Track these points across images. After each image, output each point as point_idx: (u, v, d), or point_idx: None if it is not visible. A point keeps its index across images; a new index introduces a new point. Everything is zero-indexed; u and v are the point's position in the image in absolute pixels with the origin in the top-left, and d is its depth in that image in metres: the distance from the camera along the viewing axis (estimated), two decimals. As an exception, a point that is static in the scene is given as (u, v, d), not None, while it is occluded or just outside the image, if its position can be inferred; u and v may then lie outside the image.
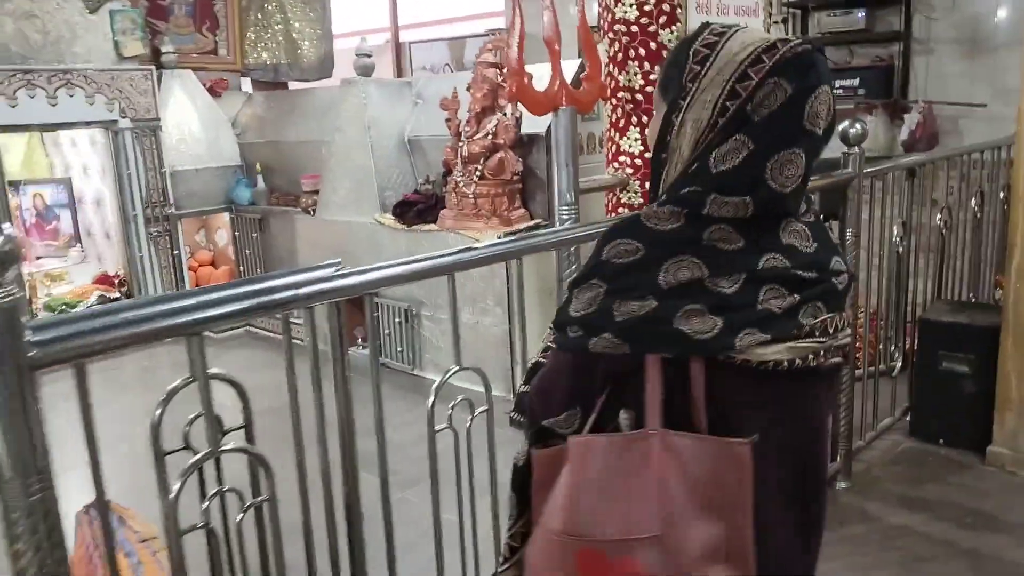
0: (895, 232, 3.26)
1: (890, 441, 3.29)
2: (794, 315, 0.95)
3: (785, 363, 0.94)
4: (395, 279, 1.60)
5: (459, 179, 3.95)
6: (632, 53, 2.57)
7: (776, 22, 5.64)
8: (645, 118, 2.61)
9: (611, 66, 2.63)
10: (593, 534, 0.97)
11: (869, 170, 2.92)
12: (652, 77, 2.59)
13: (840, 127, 2.86)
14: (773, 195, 0.96)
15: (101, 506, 1.26)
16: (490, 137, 3.84)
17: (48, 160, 6.36)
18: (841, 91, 5.25)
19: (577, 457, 1.00)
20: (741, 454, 0.94)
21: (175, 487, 1.35)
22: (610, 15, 2.59)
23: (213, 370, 1.48)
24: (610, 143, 2.74)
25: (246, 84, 6.72)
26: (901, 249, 3.28)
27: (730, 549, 0.96)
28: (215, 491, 1.44)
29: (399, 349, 4.43)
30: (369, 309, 1.64)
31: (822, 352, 0.97)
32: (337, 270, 1.58)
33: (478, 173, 3.85)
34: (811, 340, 0.96)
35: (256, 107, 6.20)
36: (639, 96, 2.60)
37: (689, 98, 0.98)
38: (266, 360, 5.08)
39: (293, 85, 6.78)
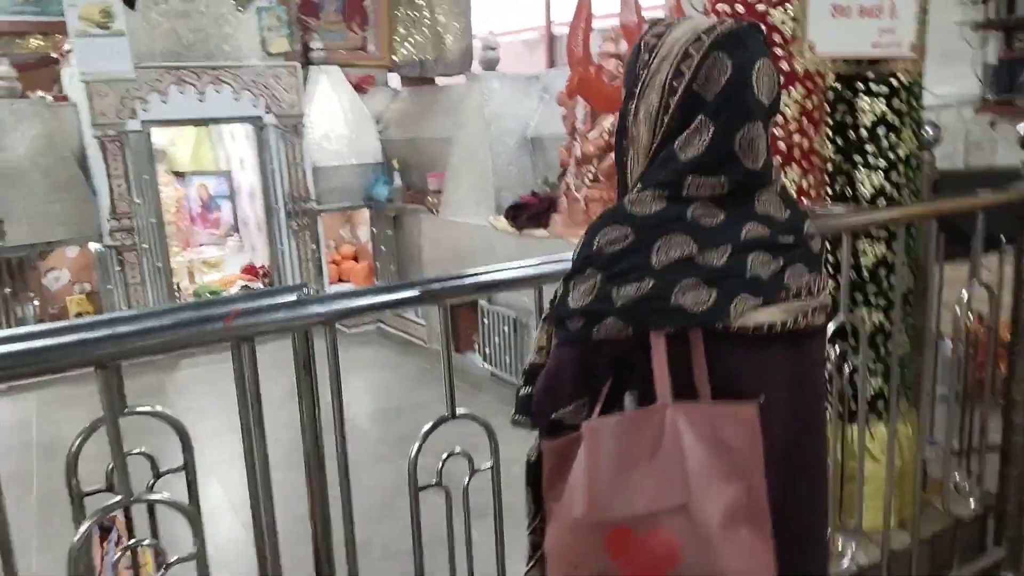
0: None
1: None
2: (780, 279, 1.01)
3: (779, 325, 1.00)
4: (356, 311, 1.35)
5: (571, 181, 3.63)
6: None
7: (975, 1, 4.81)
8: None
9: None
10: (619, 513, 0.98)
11: (1061, 184, 2.29)
12: (761, 67, 2.14)
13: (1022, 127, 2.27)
14: (747, 172, 1.01)
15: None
16: (605, 136, 3.48)
17: (213, 153, 6.73)
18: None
19: (590, 442, 1.01)
20: (749, 416, 0.98)
21: (81, 530, 1.17)
22: (714, -7, 2.17)
23: (146, 408, 1.32)
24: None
25: (393, 80, 6.74)
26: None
27: (750, 510, 0.97)
28: (130, 543, 1.26)
29: (507, 360, 4.19)
30: (330, 338, 1.38)
31: (810, 312, 1.03)
32: (300, 296, 1.35)
33: (591, 175, 3.51)
34: (798, 301, 1.02)
35: (400, 103, 6.19)
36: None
37: (641, 84, 1.03)
38: (388, 359, 5.04)
39: (441, 81, 6.73)
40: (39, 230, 4.87)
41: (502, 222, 4.13)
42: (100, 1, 4.62)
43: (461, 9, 6.34)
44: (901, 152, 2.08)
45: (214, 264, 6.42)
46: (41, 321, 5.19)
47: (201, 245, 6.64)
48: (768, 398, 1.00)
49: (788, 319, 1.01)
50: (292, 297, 1.33)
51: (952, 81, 4.59)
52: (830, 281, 2.07)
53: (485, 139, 4.37)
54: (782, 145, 2.16)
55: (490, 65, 4.49)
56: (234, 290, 5.79)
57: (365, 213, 6.16)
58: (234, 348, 1.31)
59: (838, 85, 2.10)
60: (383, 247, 5.86)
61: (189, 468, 1.39)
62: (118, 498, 1.20)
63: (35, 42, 5.33)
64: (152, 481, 1.36)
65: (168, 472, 1.37)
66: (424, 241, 5.11)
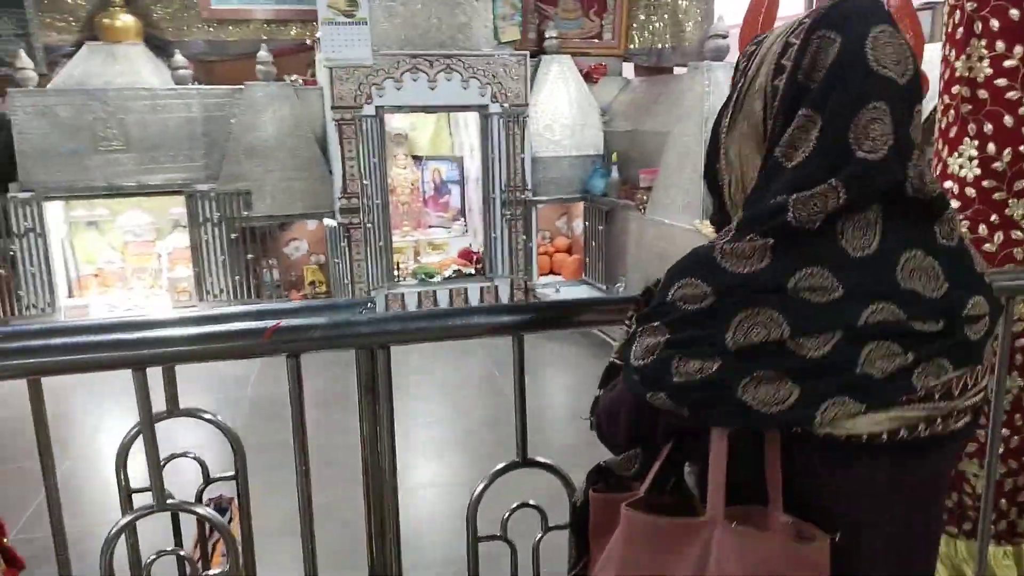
0: None
1: None
2: (904, 378, 0.78)
3: (884, 435, 0.79)
4: (405, 334, 1.21)
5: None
6: (978, 27, 1.67)
7: None
8: (989, 125, 1.69)
9: (946, 47, 1.76)
10: None
11: None
12: (1008, 63, 1.66)
13: None
14: (866, 166, 0.77)
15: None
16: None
17: (450, 139, 6.96)
18: None
19: (628, 527, 0.90)
20: (816, 560, 0.80)
21: (120, 524, 1.17)
22: (952, -30, 1.72)
23: (206, 414, 1.28)
24: (936, 160, 1.85)
25: (628, 70, 6.50)
26: None
27: None
28: (158, 553, 1.22)
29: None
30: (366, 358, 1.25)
31: (939, 420, 0.81)
32: (363, 311, 1.25)
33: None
34: (925, 405, 0.80)
35: (629, 93, 5.96)
36: (982, 92, 1.68)
37: (739, 94, 0.88)
38: (578, 359, 4.87)
39: (679, 71, 6.37)
40: (281, 203, 5.33)
41: (708, 227, 3.77)
42: (346, -10, 4.90)
43: (704, -6, 5.94)
44: None
45: (438, 246, 6.65)
46: (277, 286, 5.70)
47: (430, 227, 6.91)
48: (862, 522, 0.83)
49: (903, 427, 0.78)
50: (348, 314, 1.23)
51: None
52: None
53: (701, 135, 4.03)
54: (997, 166, 1.67)
55: (717, 55, 4.12)
56: (447, 273, 5.95)
57: (581, 206, 6.03)
58: (288, 361, 1.23)
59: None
60: (594, 242, 5.70)
61: (240, 478, 1.34)
62: (150, 504, 1.18)
63: (295, 30, 5.81)
64: (202, 486, 1.33)
65: (219, 479, 1.33)
66: (630, 240, 4.87)
